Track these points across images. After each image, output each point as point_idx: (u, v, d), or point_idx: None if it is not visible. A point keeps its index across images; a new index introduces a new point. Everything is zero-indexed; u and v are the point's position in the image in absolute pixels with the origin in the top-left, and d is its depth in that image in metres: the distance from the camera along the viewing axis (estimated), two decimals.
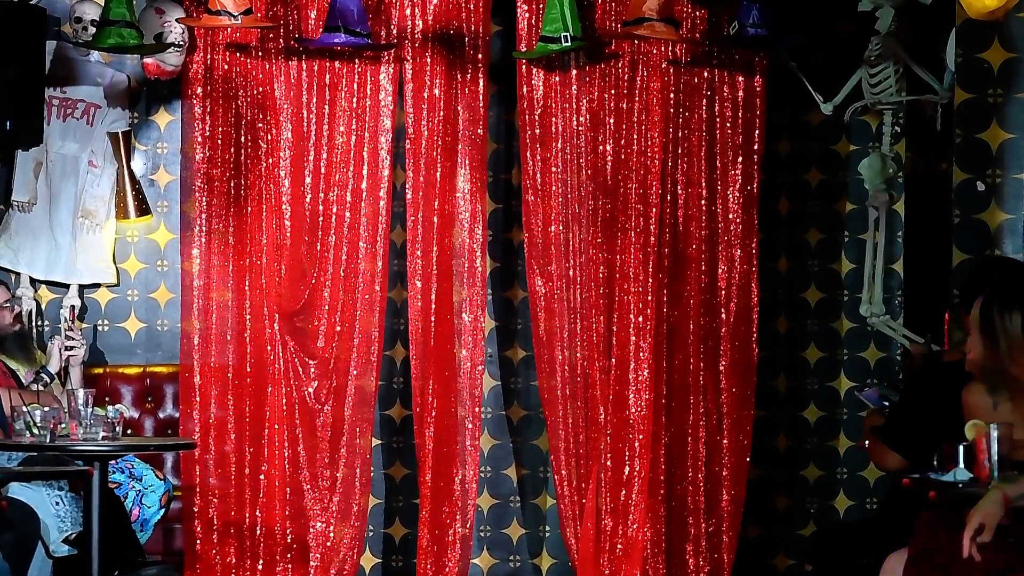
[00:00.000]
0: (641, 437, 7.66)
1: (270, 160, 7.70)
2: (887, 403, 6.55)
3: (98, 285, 8.06)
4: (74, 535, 6.63)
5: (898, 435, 5.91)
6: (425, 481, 7.74)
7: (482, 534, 8.15)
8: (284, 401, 7.69)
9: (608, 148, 7.74)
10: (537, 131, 7.76)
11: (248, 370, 7.69)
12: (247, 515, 7.64)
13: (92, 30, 7.44)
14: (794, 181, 8.24)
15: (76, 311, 7.84)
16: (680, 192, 7.78)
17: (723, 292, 7.79)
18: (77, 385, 7.18)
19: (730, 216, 7.79)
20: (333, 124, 7.73)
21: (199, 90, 7.66)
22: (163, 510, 7.23)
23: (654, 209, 7.71)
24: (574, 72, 7.74)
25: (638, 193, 7.71)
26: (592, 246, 7.73)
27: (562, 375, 7.74)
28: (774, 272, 8.20)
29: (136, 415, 7.94)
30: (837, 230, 8.23)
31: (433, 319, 7.75)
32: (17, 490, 6.61)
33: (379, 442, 8.09)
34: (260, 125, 7.69)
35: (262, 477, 7.67)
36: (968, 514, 4.64)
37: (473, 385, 7.78)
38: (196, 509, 7.60)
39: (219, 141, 7.68)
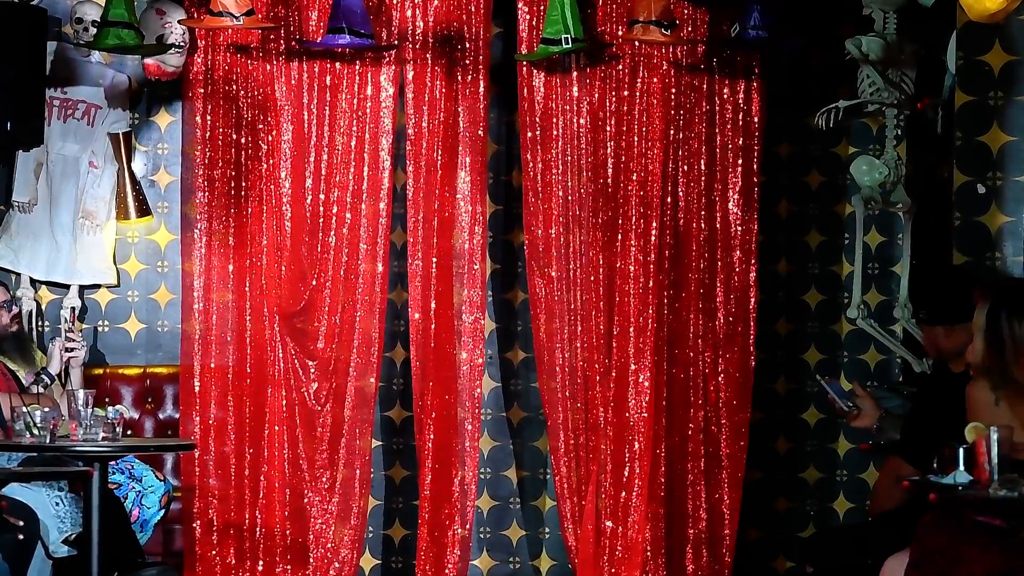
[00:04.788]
0: (641, 439, 7.67)
1: (271, 161, 7.70)
2: (852, 404, 6.52)
3: (98, 286, 8.07)
4: (74, 536, 6.62)
5: (916, 450, 5.91)
6: (425, 482, 7.75)
7: (482, 536, 8.15)
8: (284, 402, 7.68)
9: (609, 150, 7.75)
10: (538, 133, 7.76)
11: (248, 371, 7.68)
12: (247, 516, 7.64)
13: (93, 31, 7.44)
14: (794, 183, 8.25)
15: (76, 312, 7.84)
16: (680, 194, 7.79)
17: (723, 294, 7.79)
18: (77, 386, 7.18)
19: (730, 218, 7.79)
20: (334, 125, 7.74)
21: (200, 91, 7.66)
22: (163, 511, 7.23)
23: (654, 211, 7.72)
24: (575, 74, 7.75)
25: (638, 195, 7.72)
26: (592, 248, 7.73)
27: (562, 377, 7.74)
28: (774, 274, 8.20)
29: (136, 416, 7.94)
30: (837, 233, 8.23)
31: (433, 321, 7.75)
32: (17, 491, 6.61)
33: (379, 443, 8.09)
34: (261, 126, 7.69)
35: (262, 478, 7.66)
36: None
37: (473, 387, 7.78)
38: (196, 510, 7.59)
39: (220, 142, 7.68)
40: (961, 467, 4.85)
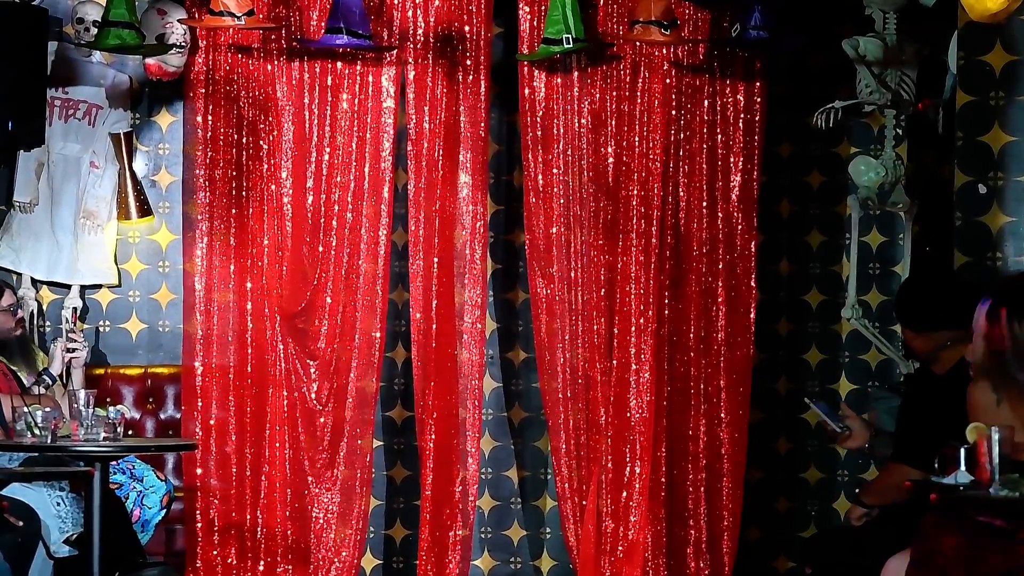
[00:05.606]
0: (642, 439, 7.67)
1: (272, 161, 7.70)
2: (843, 425, 6.52)
3: (100, 286, 8.07)
4: (75, 536, 6.63)
5: (916, 446, 5.92)
6: (426, 483, 7.75)
7: (483, 536, 8.15)
8: (285, 402, 7.68)
9: (609, 150, 7.75)
10: (539, 133, 7.76)
11: (249, 371, 7.68)
12: (248, 516, 7.64)
13: (94, 31, 7.44)
14: (795, 183, 8.25)
15: (78, 312, 7.85)
16: (681, 194, 7.79)
17: (723, 294, 7.79)
18: (79, 386, 7.18)
19: (731, 218, 7.80)
20: (335, 125, 7.73)
21: (201, 91, 7.66)
22: (164, 511, 7.23)
23: (655, 211, 7.72)
24: (576, 74, 7.75)
25: (639, 195, 7.72)
26: (593, 248, 7.73)
27: (563, 377, 7.74)
28: (775, 274, 8.20)
29: (137, 416, 7.94)
30: (838, 232, 8.23)
31: (434, 321, 7.75)
32: (18, 491, 6.61)
33: (380, 443, 8.09)
34: (262, 126, 7.69)
35: (263, 478, 7.67)
36: None
37: (474, 387, 7.78)
38: (197, 510, 7.59)
39: (220, 142, 7.68)
40: (962, 467, 4.85)
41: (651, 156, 7.73)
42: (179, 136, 7.89)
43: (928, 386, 6.10)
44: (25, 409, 6.21)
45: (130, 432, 7.06)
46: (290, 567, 7.65)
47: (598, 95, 7.75)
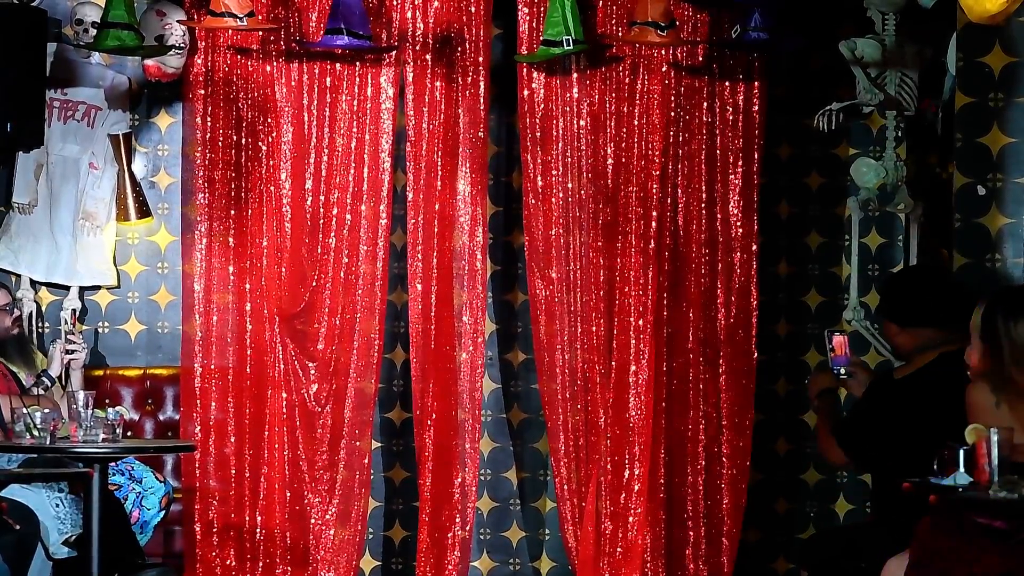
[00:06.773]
0: (641, 440, 7.67)
1: (271, 162, 7.70)
2: (846, 372, 6.45)
3: (98, 287, 8.07)
4: (74, 537, 6.63)
5: (849, 438, 6.12)
6: (425, 484, 7.75)
7: (482, 537, 8.15)
8: (284, 403, 7.69)
9: (609, 151, 7.75)
10: (538, 134, 7.76)
11: (248, 372, 7.68)
12: (247, 517, 7.64)
13: (93, 32, 7.44)
14: (794, 185, 8.25)
15: (76, 314, 7.84)
16: (680, 195, 7.79)
17: (723, 296, 7.79)
18: (78, 388, 7.18)
19: (730, 220, 7.79)
20: (334, 126, 7.74)
21: (200, 92, 7.66)
22: (163, 512, 7.23)
23: (654, 212, 7.72)
24: (575, 75, 7.74)
25: (638, 196, 7.72)
26: (592, 249, 7.73)
27: (562, 378, 7.74)
28: (774, 276, 8.20)
29: (136, 417, 7.94)
30: (837, 234, 8.23)
31: (433, 322, 7.75)
32: (17, 492, 6.61)
33: (379, 445, 8.09)
34: (261, 127, 7.69)
35: (262, 479, 7.67)
36: None
37: (473, 388, 7.78)
38: (196, 511, 7.59)
39: (220, 143, 7.68)
40: (961, 469, 4.85)
41: (650, 157, 7.72)
42: (178, 137, 7.89)
43: (882, 390, 6.12)
44: (24, 410, 6.21)
45: (129, 433, 7.06)
46: (289, 568, 7.65)
47: (597, 96, 7.75)
